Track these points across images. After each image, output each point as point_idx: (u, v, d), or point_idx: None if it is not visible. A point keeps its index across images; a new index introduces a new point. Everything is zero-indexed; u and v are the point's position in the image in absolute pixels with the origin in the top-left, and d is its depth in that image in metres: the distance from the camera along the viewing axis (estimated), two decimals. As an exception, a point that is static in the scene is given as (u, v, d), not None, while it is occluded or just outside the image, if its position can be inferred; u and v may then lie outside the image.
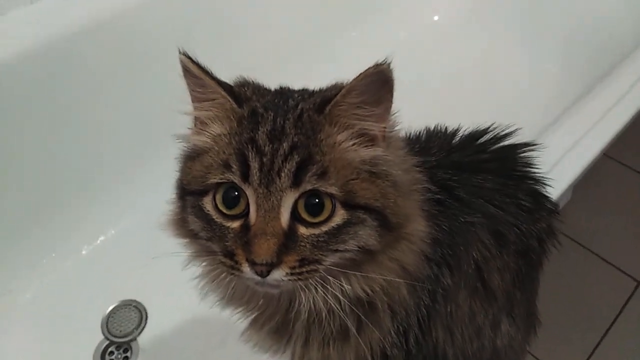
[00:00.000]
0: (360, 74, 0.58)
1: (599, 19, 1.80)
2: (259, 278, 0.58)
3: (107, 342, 1.46)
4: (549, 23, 1.89)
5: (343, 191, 0.59)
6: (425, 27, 2.05)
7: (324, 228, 0.59)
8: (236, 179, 0.59)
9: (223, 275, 0.64)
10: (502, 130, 0.83)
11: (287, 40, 1.81)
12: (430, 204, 0.70)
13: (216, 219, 0.61)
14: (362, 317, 0.68)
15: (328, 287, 0.62)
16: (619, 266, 1.82)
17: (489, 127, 0.84)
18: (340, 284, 0.63)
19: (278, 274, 0.58)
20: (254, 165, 0.58)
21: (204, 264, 0.71)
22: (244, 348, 1.42)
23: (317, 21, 1.87)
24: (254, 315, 0.74)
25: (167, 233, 0.72)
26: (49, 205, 1.53)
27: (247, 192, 0.59)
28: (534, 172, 0.81)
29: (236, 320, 0.77)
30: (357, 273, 0.63)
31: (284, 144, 0.59)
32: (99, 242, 1.60)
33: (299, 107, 0.63)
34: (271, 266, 0.57)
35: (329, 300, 0.63)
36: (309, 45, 1.85)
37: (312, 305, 0.64)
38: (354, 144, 0.61)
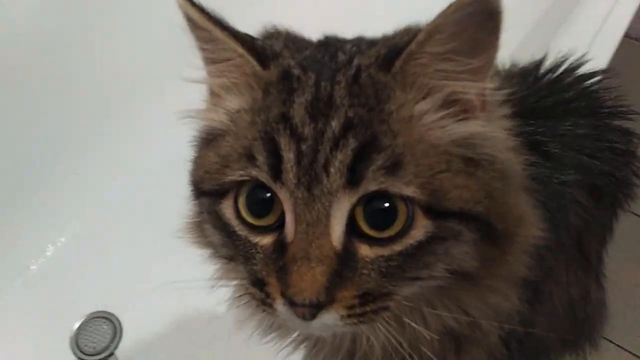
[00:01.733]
0: (450, 5, 0.38)
1: None
2: (300, 322, 0.41)
3: (81, 363, 1.30)
4: None
5: (426, 191, 0.40)
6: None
7: (397, 247, 0.41)
8: (263, 177, 0.41)
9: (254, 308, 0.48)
10: (567, 59, 0.67)
11: None
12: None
13: (239, 232, 0.43)
14: (461, 340, 0.53)
15: (404, 320, 0.45)
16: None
17: (543, 58, 0.68)
18: (422, 316, 0.47)
19: (329, 318, 0.40)
20: (289, 156, 0.40)
21: (233, 286, 0.54)
22: (236, 341, 1.30)
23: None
24: (307, 351, 0.59)
25: (182, 240, 0.55)
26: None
27: (280, 195, 0.41)
28: (620, 106, 0.67)
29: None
30: (446, 299, 0.46)
31: (334, 122, 0.40)
32: (48, 253, 1.40)
33: (354, 63, 0.43)
34: (318, 308, 0.40)
35: (407, 337, 0.47)
36: None
37: (386, 343, 0.46)
38: (441, 117, 0.42)
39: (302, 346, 0.58)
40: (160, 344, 1.31)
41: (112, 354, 1.30)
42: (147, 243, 1.28)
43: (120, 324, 1.34)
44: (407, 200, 0.40)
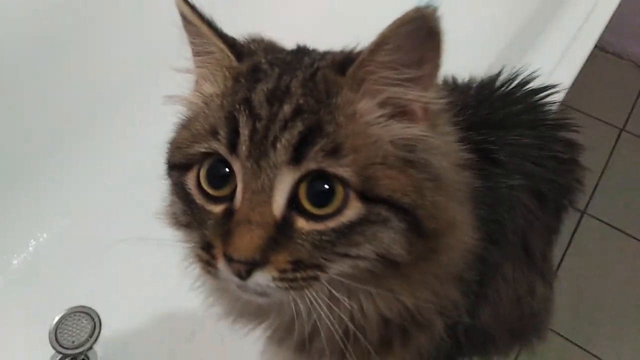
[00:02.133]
0: (395, 20, 0.44)
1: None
2: (237, 280, 0.46)
3: (60, 356, 1.30)
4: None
5: (361, 177, 0.45)
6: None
7: (331, 224, 0.46)
8: (222, 149, 0.46)
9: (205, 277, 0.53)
10: (520, 76, 0.73)
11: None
12: (473, 175, 0.58)
13: (197, 201, 0.49)
14: (406, 326, 0.57)
15: (341, 303, 0.49)
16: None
17: (499, 73, 0.74)
18: (358, 301, 0.51)
19: (262, 278, 0.45)
20: (244, 131, 0.45)
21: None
22: (215, 337, 1.34)
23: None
24: (268, 332, 0.62)
25: (161, 223, 0.59)
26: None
27: (234, 167, 0.46)
28: (565, 119, 0.73)
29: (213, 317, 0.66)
30: (379, 290, 0.50)
31: (285, 107, 0.46)
32: (30, 249, 1.42)
33: (315, 65, 0.50)
34: (253, 265, 0.44)
35: (347, 318, 0.51)
36: None
37: (330, 321, 0.51)
38: (381, 116, 0.48)
39: (262, 329, 0.62)
40: (139, 339, 1.34)
41: (90, 347, 1.32)
42: (127, 240, 1.30)
43: (99, 318, 1.35)
44: (344, 183, 0.45)
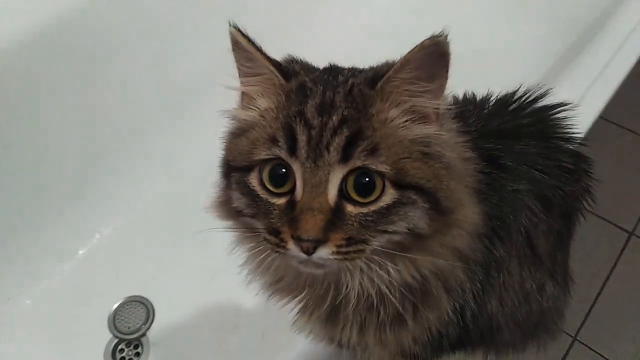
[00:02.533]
0: (416, 46, 0.54)
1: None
2: (304, 256, 0.56)
3: (117, 340, 1.44)
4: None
5: (394, 169, 0.56)
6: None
7: (373, 207, 0.56)
8: (282, 154, 0.56)
9: (266, 255, 0.61)
10: (534, 93, 0.81)
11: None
12: (479, 179, 0.68)
13: (262, 195, 0.59)
14: (416, 302, 0.66)
15: (373, 270, 0.60)
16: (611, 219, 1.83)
17: (517, 90, 0.82)
18: (386, 269, 0.60)
19: (324, 252, 0.55)
20: (302, 138, 0.56)
21: (249, 244, 0.67)
22: (257, 331, 1.43)
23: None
24: (301, 304, 0.71)
25: (211, 215, 0.69)
26: (39, 208, 1.48)
27: (293, 167, 0.56)
28: (572, 133, 0.80)
29: (284, 309, 0.74)
30: (405, 257, 0.60)
31: (334, 117, 0.56)
32: (95, 240, 1.56)
33: (349, 81, 0.60)
34: (317, 243, 0.55)
35: (376, 285, 0.61)
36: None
37: (360, 290, 0.62)
38: (406, 121, 0.58)
39: (297, 302, 0.71)
40: (188, 329, 1.45)
41: (144, 334, 1.45)
42: (182, 237, 1.35)
43: (153, 308, 1.49)
44: (381, 175, 0.56)
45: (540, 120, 0.79)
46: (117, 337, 1.44)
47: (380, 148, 0.56)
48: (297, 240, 0.55)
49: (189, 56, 1.56)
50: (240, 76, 0.63)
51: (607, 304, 1.66)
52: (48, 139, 1.42)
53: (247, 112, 0.63)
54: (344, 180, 0.56)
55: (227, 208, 0.66)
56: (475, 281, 0.72)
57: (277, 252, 0.58)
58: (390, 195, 0.56)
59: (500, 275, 0.75)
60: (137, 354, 1.42)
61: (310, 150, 0.55)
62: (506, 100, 0.81)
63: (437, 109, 0.59)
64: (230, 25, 0.60)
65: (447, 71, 0.57)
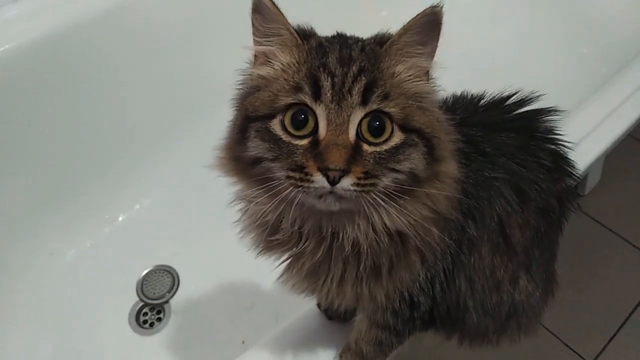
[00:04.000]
0: (418, 14, 0.64)
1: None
2: (328, 187, 0.61)
3: (142, 304, 1.55)
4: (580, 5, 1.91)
5: (402, 115, 0.64)
6: (456, 8, 2.06)
7: (385, 147, 0.64)
8: (307, 99, 0.63)
9: (277, 201, 0.66)
10: (527, 96, 0.85)
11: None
12: (459, 156, 0.74)
13: (284, 139, 0.65)
14: (393, 256, 0.72)
15: (371, 213, 0.66)
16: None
17: (514, 93, 0.86)
18: (382, 213, 0.67)
19: (346, 182, 0.61)
20: (326, 84, 0.63)
21: (254, 194, 0.71)
22: (271, 313, 1.50)
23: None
24: (294, 256, 0.76)
25: (215, 173, 0.74)
26: (89, 175, 1.62)
27: (316, 111, 0.63)
28: (556, 135, 0.84)
29: (272, 265, 0.79)
30: (399, 201, 0.66)
31: (353, 67, 0.64)
32: (134, 210, 1.68)
33: (360, 43, 0.69)
34: (343, 172, 0.61)
35: (370, 230, 0.68)
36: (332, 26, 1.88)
37: (356, 235, 0.69)
38: (409, 76, 0.67)
39: (291, 253, 0.76)
40: (207, 302, 1.54)
41: (167, 301, 1.55)
42: (218, 218, 1.44)
43: (179, 278, 1.59)
44: (390, 118, 0.64)
45: (525, 118, 0.84)
46: (142, 300, 1.55)
47: (391, 95, 0.64)
48: (325, 170, 0.61)
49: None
50: (258, 37, 0.70)
51: (630, 335, 1.65)
52: (100, 113, 1.58)
53: (266, 68, 0.70)
54: (359, 123, 0.64)
55: (236, 163, 0.71)
56: (446, 254, 0.77)
57: (301, 186, 0.63)
58: (398, 137, 0.64)
59: (471, 255, 0.79)
60: (159, 319, 1.52)
61: (335, 94, 0.63)
62: (498, 100, 0.86)
63: (429, 69, 0.69)
64: None
65: (438, 37, 0.66)
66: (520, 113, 0.84)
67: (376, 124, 0.64)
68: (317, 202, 0.65)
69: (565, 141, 0.84)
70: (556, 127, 0.84)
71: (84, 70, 1.50)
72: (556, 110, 0.85)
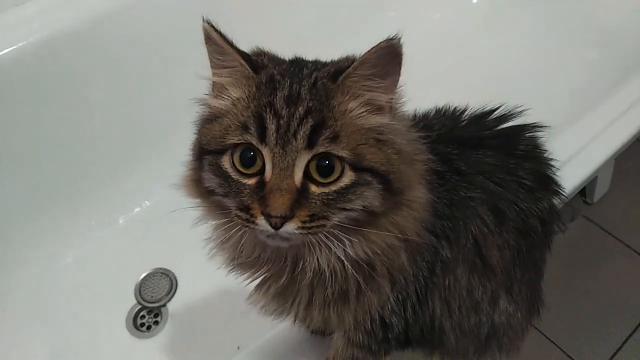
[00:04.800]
0: (373, 47, 0.61)
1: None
2: (272, 230, 0.61)
3: (139, 307, 1.54)
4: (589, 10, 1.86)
5: (352, 154, 0.62)
6: (464, 10, 2.04)
7: (334, 187, 0.62)
8: (253, 140, 0.62)
9: (233, 232, 0.66)
10: (509, 111, 0.83)
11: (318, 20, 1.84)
12: (432, 176, 0.72)
13: (233, 176, 0.64)
14: (362, 281, 0.70)
15: (332, 245, 0.65)
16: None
17: (497, 107, 0.84)
18: (343, 243, 0.66)
19: (290, 227, 0.60)
20: (271, 127, 0.61)
21: (215, 221, 0.73)
22: (267, 320, 1.48)
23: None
24: (261, 278, 0.77)
25: (181, 192, 0.76)
26: (89, 177, 1.62)
27: (263, 152, 0.62)
28: (538, 153, 0.81)
29: (244, 284, 0.79)
30: (360, 231, 0.66)
31: (300, 108, 0.62)
32: (134, 212, 1.68)
33: (314, 75, 0.66)
34: (285, 219, 0.60)
35: (332, 260, 0.67)
36: (341, 25, 1.87)
37: (317, 264, 0.67)
38: (363, 112, 0.64)
39: (257, 275, 0.76)
40: (204, 307, 1.53)
41: (164, 305, 1.54)
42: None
43: (177, 282, 1.59)
44: (341, 159, 0.62)
45: (506, 135, 0.81)
46: (140, 304, 1.55)
47: (340, 135, 0.62)
48: (267, 216, 0.61)
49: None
50: (212, 67, 0.69)
51: (636, 348, 1.61)
52: (98, 116, 1.58)
53: (219, 100, 0.69)
54: (308, 163, 0.62)
55: (197, 187, 0.72)
56: (419, 276, 0.76)
57: (247, 226, 0.63)
58: (348, 177, 0.62)
59: (445, 276, 0.77)
60: (156, 322, 1.52)
61: (279, 138, 0.61)
62: (480, 115, 0.83)
63: (391, 101, 0.65)
64: (203, 20, 0.66)
65: (399, 69, 0.63)
66: (500, 129, 0.81)
67: (325, 164, 0.62)
68: (267, 240, 0.65)
69: (548, 158, 0.81)
70: (539, 144, 0.82)
71: (85, 71, 1.50)
72: (539, 127, 0.83)
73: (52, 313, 1.50)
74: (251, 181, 0.63)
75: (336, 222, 0.63)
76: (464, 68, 1.82)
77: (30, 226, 1.55)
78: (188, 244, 1.59)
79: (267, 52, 0.74)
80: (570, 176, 1.09)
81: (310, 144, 0.61)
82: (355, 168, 0.62)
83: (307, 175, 0.62)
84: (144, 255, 1.61)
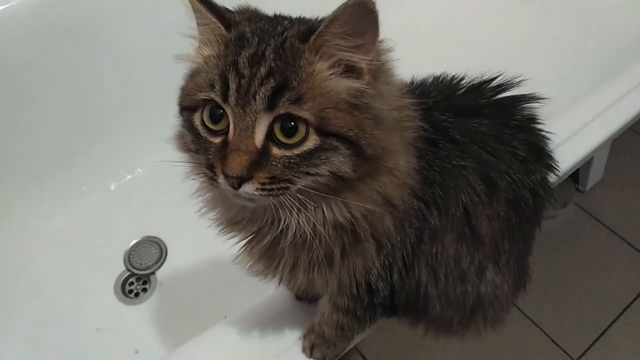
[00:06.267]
0: (342, 4, 0.58)
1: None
2: (232, 190, 0.61)
3: (128, 273, 1.55)
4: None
5: (317, 117, 0.60)
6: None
7: (296, 151, 0.61)
8: (218, 99, 0.62)
9: (207, 188, 0.68)
10: (508, 81, 0.82)
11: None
12: (424, 144, 0.71)
13: (202, 133, 0.64)
14: (346, 244, 0.70)
15: (308, 207, 0.64)
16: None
17: (495, 77, 0.83)
18: (321, 207, 0.65)
19: (248, 188, 0.60)
20: (232, 86, 0.60)
21: (197, 176, 0.72)
22: (258, 289, 1.48)
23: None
24: (246, 238, 0.76)
25: (172, 146, 0.74)
26: (82, 143, 1.62)
27: (227, 111, 0.62)
28: (534, 124, 0.81)
29: (233, 244, 0.79)
30: (337, 199, 0.65)
31: (262, 69, 0.60)
32: (127, 179, 1.69)
33: (284, 34, 0.64)
34: (242, 179, 0.60)
35: (311, 222, 0.66)
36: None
37: (296, 226, 0.66)
38: (333, 74, 0.62)
39: (242, 235, 0.76)
40: (193, 276, 1.54)
41: (153, 273, 1.55)
42: None
43: (167, 250, 1.59)
44: (305, 121, 0.60)
45: (502, 105, 0.80)
46: (129, 270, 1.56)
47: (305, 97, 0.60)
48: (225, 176, 0.61)
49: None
50: (197, 25, 0.69)
51: (618, 335, 1.63)
52: (92, 80, 1.57)
53: (195, 58, 0.68)
54: (272, 125, 0.61)
55: (182, 142, 0.71)
56: (406, 242, 0.75)
57: (212, 184, 0.64)
58: (313, 141, 0.61)
59: (433, 244, 0.77)
60: (144, 290, 1.53)
61: (239, 98, 0.60)
62: (477, 83, 0.82)
63: (368, 63, 0.63)
64: None
65: (376, 27, 0.60)
66: (497, 99, 0.81)
67: (289, 125, 0.61)
68: (233, 198, 0.64)
69: (544, 131, 0.81)
70: (536, 115, 0.81)
71: (81, 33, 1.49)
72: (537, 98, 0.82)
73: (39, 276, 1.51)
74: (217, 140, 0.63)
75: (303, 186, 0.62)
76: (460, 49, 1.81)
77: (22, 190, 1.56)
78: (179, 213, 1.60)
79: (253, 8, 0.72)
80: (564, 157, 1.09)
81: (271, 105, 0.60)
82: (321, 132, 0.61)
83: (271, 137, 0.61)
84: (135, 223, 1.62)
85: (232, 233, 0.77)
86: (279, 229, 0.69)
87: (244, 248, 0.78)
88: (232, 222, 0.75)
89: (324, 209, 0.66)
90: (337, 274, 0.74)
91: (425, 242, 0.76)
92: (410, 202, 0.71)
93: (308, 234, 0.67)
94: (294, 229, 0.67)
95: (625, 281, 1.72)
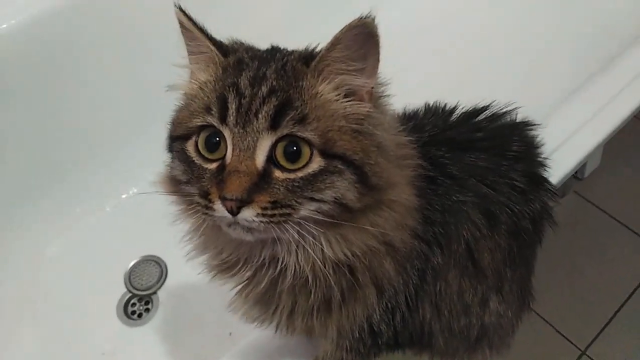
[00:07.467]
0: (345, 26, 0.57)
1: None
2: (229, 217, 0.58)
3: (130, 295, 1.54)
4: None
5: (321, 138, 0.59)
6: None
7: (300, 174, 0.58)
8: (214, 121, 0.60)
9: (197, 219, 0.64)
10: (500, 109, 0.81)
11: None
12: (423, 182, 0.70)
13: (196, 161, 0.62)
14: (345, 289, 0.69)
15: (308, 241, 0.62)
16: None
17: (488, 105, 0.82)
18: (319, 242, 0.63)
19: (248, 213, 0.57)
20: (232, 106, 0.59)
21: (187, 218, 0.70)
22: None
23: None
24: (240, 284, 0.74)
25: (158, 190, 0.73)
26: (75, 164, 1.59)
27: (224, 133, 0.60)
28: (531, 153, 0.80)
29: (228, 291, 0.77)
30: (337, 230, 0.63)
31: (263, 88, 0.59)
32: (122, 199, 1.66)
33: (285, 58, 0.64)
34: (241, 203, 0.57)
35: (310, 260, 0.64)
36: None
37: (295, 265, 0.64)
38: (337, 96, 0.61)
39: (236, 281, 0.74)
40: (195, 295, 1.52)
41: (154, 292, 1.54)
42: None
43: (167, 270, 1.57)
44: (309, 143, 0.59)
45: (498, 136, 0.79)
46: (130, 292, 1.54)
47: (309, 118, 0.59)
48: (223, 199, 0.58)
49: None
50: (188, 55, 0.68)
51: (624, 323, 1.62)
52: (85, 100, 1.54)
53: (189, 85, 0.67)
54: (274, 146, 0.59)
55: (171, 182, 0.69)
56: (409, 284, 0.74)
57: (206, 214, 0.60)
58: (317, 163, 0.59)
59: (437, 283, 0.76)
60: (147, 310, 1.51)
61: (240, 117, 0.58)
62: (473, 113, 0.81)
63: (371, 88, 0.62)
64: (175, 6, 0.64)
65: (377, 51, 0.60)
66: (492, 130, 0.80)
67: (292, 149, 0.58)
68: (229, 230, 0.61)
69: (542, 158, 0.80)
70: (532, 142, 0.80)
71: (69, 56, 1.46)
72: (530, 124, 0.81)
73: (42, 304, 1.49)
74: (213, 166, 0.61)
75: (306, 215, 0.60)
76: (446, 52, 1.79)
77: (15, 215, 1.53)
78: (177, 232, 1.60)
79: (245, 42, 0.71)
80: (560, 163, 1.07)
81: (274, 125, 0.58)
82: (326, 154, 0.59)
83: (273, 160, 0.59)
84: (133, 243, 1.59)
85: (225, 278, 0.75)
86: (277, 271, 0.67)
87: (238, 294, 0.76)
88: (225, 266, 0.73)
89: (323, 244, 0.63)
90: (337, 321, 0.73)
91: (428, 282, 0.75)
92: (411, 244, 0.70)
93: (307, 274, 0.65)
94: (292, 270, 0.65)
95: (629, 267, 1.71)
